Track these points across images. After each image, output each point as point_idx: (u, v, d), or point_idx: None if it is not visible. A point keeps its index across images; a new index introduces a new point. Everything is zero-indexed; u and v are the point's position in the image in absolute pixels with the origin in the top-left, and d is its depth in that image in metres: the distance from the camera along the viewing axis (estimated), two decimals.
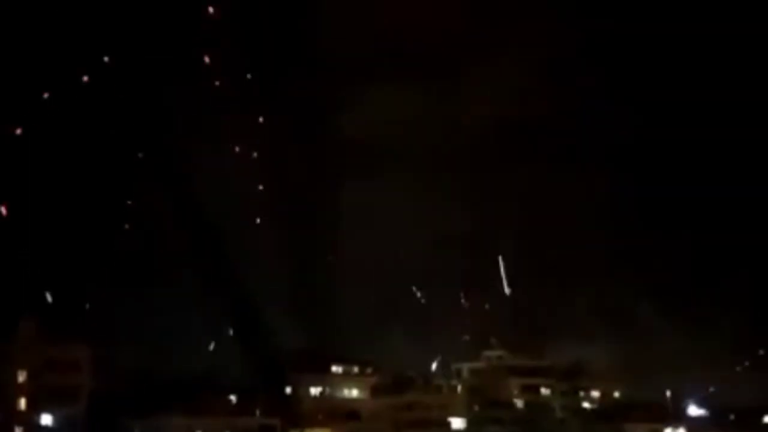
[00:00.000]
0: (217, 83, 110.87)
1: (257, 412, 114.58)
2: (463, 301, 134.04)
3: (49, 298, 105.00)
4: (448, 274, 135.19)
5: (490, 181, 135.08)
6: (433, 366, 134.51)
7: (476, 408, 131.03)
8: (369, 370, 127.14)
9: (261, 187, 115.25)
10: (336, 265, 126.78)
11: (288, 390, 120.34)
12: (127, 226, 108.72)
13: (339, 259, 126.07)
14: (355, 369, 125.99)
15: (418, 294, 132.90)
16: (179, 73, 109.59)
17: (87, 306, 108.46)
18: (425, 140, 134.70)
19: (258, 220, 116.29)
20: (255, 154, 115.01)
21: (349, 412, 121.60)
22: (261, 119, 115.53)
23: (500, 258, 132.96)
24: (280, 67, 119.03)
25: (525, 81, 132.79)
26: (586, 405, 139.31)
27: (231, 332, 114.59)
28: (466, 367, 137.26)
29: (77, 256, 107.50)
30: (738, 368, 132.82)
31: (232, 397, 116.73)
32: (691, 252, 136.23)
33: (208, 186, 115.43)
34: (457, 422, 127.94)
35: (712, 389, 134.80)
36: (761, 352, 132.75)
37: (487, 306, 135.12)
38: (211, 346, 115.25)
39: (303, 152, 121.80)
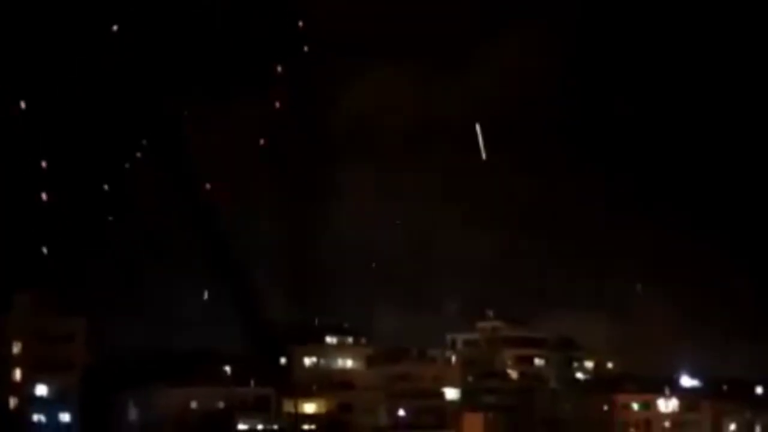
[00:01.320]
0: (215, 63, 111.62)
1: (252, 383, 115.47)
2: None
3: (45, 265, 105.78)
4: (442, 248, 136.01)
5: (485, 158, 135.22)
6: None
7: (470, 379, 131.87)
8: (363, 341, 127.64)
9: (255, 163, 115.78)
10: (331, 235, 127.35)
11: (282, 360, 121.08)
12: (123, 199, 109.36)
13: (333, 230, 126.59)
14: (350, 339, 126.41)
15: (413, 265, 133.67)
16: (176, 53, 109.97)
17: (83, 279, 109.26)
18: (422, 122, 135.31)
19: (252, 194, 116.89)
20: (249, 130, 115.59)
21: (343, 382, 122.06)
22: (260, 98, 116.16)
23: None
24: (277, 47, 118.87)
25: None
26: (579, 376, 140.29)
27: (225, 303, 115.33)
28: (460, 338, 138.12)
29: (74, 229, 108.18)
30: (731, 339, 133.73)
31: (227, 368, 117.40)
32: (684, 225, 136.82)
33: (204, 159, 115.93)
34: (451, 393, 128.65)
35: (705, 360, 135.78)
36: (754, 323, 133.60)
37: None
38: (206, 318, 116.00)
39: (298, 128, 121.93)
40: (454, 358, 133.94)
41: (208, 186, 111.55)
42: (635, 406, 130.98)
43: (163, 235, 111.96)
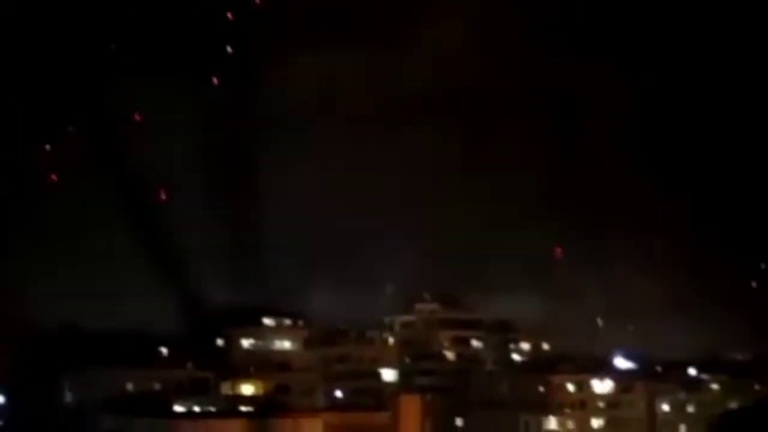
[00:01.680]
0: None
1: (189, 365, 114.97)
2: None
3: None
4: (378, 228, 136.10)
5: (419, 137, 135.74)
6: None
7: (408, 360, 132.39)
8: (301, 323, 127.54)
9: (192, 143, 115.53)
10: (269, 217, 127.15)
11: (220, 342, 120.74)
12: (52, 175, 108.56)
13: (271, 212, 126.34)
14: (287, 321, 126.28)
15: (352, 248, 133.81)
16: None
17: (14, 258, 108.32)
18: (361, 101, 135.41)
19: (189, 174, 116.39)
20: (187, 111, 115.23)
21: (281, 364, 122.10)
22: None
23: None
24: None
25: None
26: (516, 357, 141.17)
27: (162, 285, 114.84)
28: (397, 320, 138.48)
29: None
30: (667, 321, 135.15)
31: (164, 350, 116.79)
32: (620, 204, 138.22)
33: (140, 137, 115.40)
34: (388, 374, 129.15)
35: (640, 342, 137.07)
36: (690, 305, 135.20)
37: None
38: (142, 299, 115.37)
39: (235, 110, 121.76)
40: (391, 340, 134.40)
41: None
42: (571, 387, 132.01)
43: (95, 211, 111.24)
